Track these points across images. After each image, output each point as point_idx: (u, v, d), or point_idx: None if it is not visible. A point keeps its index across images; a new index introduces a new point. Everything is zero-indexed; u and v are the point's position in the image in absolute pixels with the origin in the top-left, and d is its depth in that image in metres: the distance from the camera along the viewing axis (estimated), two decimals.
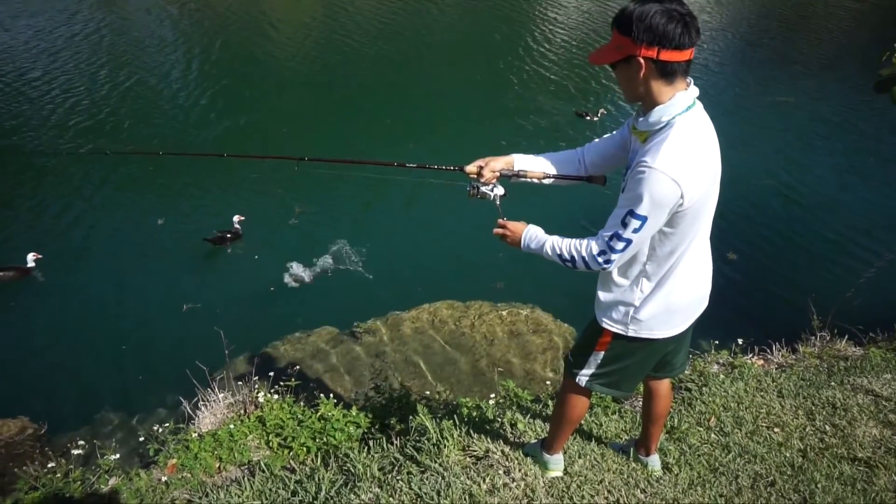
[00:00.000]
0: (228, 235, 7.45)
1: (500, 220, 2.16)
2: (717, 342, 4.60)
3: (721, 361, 4.14)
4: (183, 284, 6.62)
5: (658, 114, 1.77)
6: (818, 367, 4.02)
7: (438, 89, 12.57)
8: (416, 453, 2.73)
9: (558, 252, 1.98)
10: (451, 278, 6.70)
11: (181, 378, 4.07)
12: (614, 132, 2.13)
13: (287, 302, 6.34)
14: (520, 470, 2.57)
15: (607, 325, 2.10)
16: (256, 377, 4.52)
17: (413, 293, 6.40)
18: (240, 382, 4.20)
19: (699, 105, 1.83)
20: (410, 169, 2.57)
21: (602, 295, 2.10)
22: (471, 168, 2.23)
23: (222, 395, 3.98)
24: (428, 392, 4.52)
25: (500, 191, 2.22)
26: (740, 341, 4.30)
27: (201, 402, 3.91)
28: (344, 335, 5.91)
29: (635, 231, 1.79)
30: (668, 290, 1.98)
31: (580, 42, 15.35)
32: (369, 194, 8.48)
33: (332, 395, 3.83)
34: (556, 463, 2.56)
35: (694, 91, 1.79)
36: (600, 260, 1.89)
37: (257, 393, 3.94)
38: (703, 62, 13.78)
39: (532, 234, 2.08)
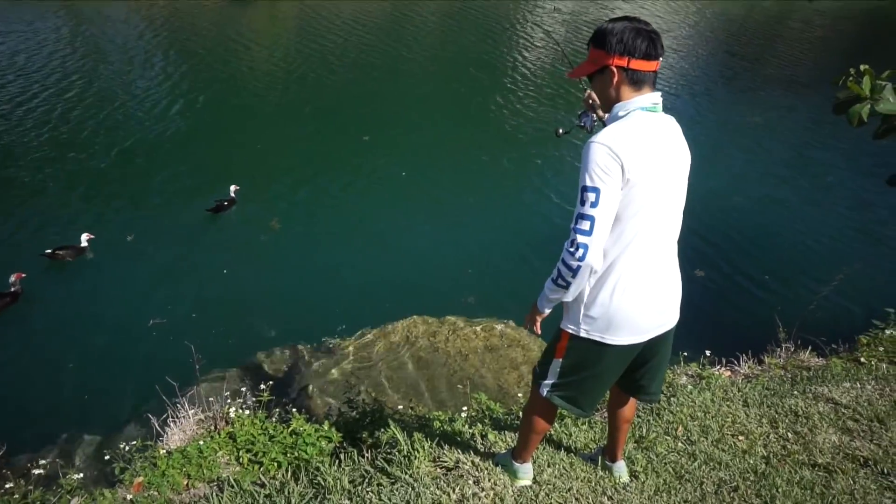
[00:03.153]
0: (226, 203, 8.15)
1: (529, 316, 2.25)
2: (685, 354, 4.69)
3: (690, 373, 4.22)
4: (151, 298, 6.52)
5: (616, 108, 1.94)
6: (782, 377, 4.13)
7: (418, 103, 12.71)
8: (386, 465, 2.74)
9: (550, 279, 2.00)
10: (422, 294, 6.71)
11: (150, 394, 4.02)
12: None
13: (258, 317, 6.28)
14: (489, 479, 2.58)
15: (563, 325, 2.13)
16: (227, 392, 4.46)
17: (384, 309, 6.40)
18: (210, 398, 4.14)
19: (663, 115, 1.98)
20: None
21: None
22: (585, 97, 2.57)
23: (192, 410, 3.92)
24: (401, 406, 4.51)
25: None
26: (708, 353, 4.39)
27: (170, 419, 3.85)
28: (316, 350, 5.88)
29: (593, 205, 1.81)
30: (616, 289, 1.96)
31: (558, 55, 15.67)
32: (341, 209, 8.51)
33: (304, 410, 3.82)
34: (525, 472, 2.59)
35: (653, 96, 1.93)
36: (571, 250, 1.86)
37: (228, 408, 3.90)
38: (675, 82, 14.17)
39: (539, 297, 2.14)
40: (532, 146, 10.77)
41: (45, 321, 6.25)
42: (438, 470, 2.70)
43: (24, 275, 6.34)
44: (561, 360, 2.17)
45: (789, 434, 3.18)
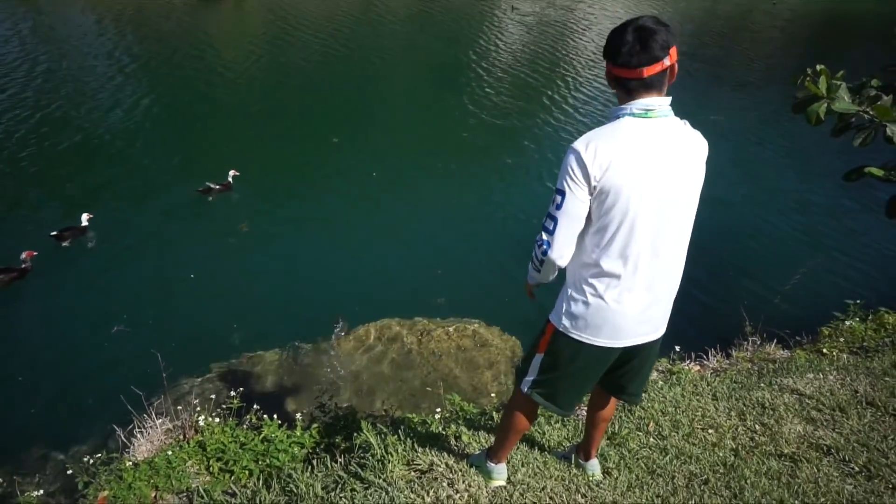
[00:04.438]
0: (218, 187, 8.33)
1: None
2: None
3: (660, 369, 4.28)
4: (115, 304, 6.31)
5: (610, 112, 1.95)
6: (749, 370, 4.22)
7: (388, 104, 12.68)
8: (360, 470, 2.71)
9: (530, 260, 2.12)
10: (392, 295, 6.65)
11: (115, 405, 3.90)
12: None
13: (226, 322, 6.15)
14: (464, 481, 2.58)
15: (550, 317, 2.16)
16: (197, 400, 4.38)
17: (355, 311, 6.34)
18: (179, 407, 4.06)
19: (668, 120, 1.90)
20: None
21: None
22: None
23: (160, 420, 3.84)
24: (374, 409, 4.48)
25: None
26: (678, 348, 4.47)
27: (137, 429, 3.76)
28: (287, 354, 5.79)
29: (558, 207, 1.91)
30: (596, 290, 1.99)
31: (524, 61, 15.79)
32: (311, 211, 8.43)
33: (276, 416, 3.76)
34: (500, 472, 2.59)
35: (656, 101, 1.87)
36: (538, 244, 2.00)
37: (197, 417, 3.82)
38: None
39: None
40: (499, 146, 10.82)
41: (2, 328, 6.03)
42: (412, 473, 2.68)
43: (35, 253, 6.63)
44: (542, 355, 2.19)
45: (756, 426, 3.24)
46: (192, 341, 5.85)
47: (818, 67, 3.10)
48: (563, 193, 1.89)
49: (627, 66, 1.83)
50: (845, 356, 4.38)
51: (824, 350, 4.62)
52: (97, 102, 11.35)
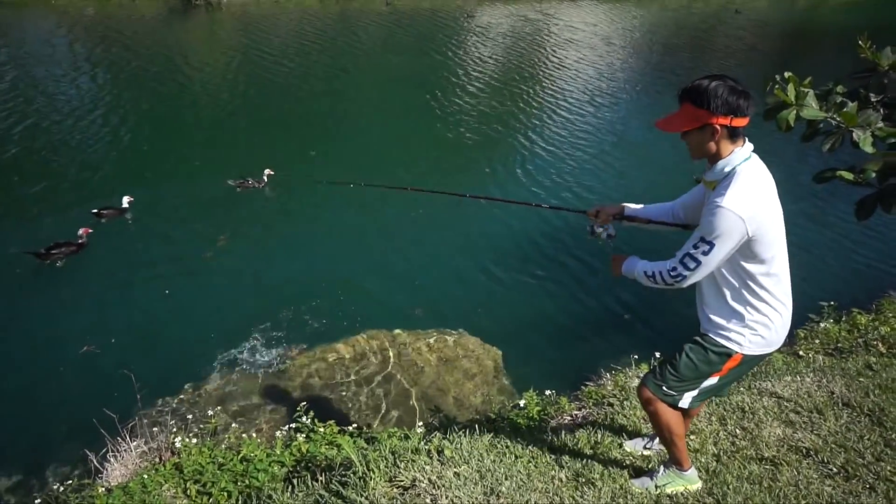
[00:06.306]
0: (256, 183, 8.86)
1: (614, 256, 2.61)
2: (636, 357, 4.79)
3: (641, 375, 4.29)
4: (84, 324, 6.16)
5: (722, 165, 2.22)
6: None
7: (363, 116, 12.66)
8: (341, 488, 2.66)
9: (643, 270, 2.41)
10: (371, 308, 6.58)
11: (86, 429, 3.80)
12: (694, 189, 2.56)
13: (203, 339, 6.03)
14: (446, 497, 2.54)
15: (732, 347, 2.35)
16: (173, 421, 4.28)
17: (334, 325, 6.28)
18: (154, 428, 3.96)
19: (755, 157, 2.27)
20: (541, 208, 3.18)
21: (725, 320, 2.35)
22: (590, 211, 2.75)
23: (134, 443, 3.74)
24: (356, 425, 4.42)
25: (611, 231, 2.73)
26: (658, 354, 4.49)
27: (110, 454, 3.66)
28: (266, 371, 5.69)
29: (704, 254, 2.20)
30: (778, 309, 2.31)
31: (490, 71, 15.91)
32: (287, 224, 8.35)
33: (255, 435, 3.69)
34: (692, 476, 2.71)
35: (749, 146, 2.23)
36: (672, 275, 2.29)
37: (174, 438, 3.73)
38: (610, 92, 14.59)
39: (630, 263, 2.51)
40: (475, 156, 10.86)
41: None
42: (395, 490, 2.64)
43: (91, 230, 7.35)
44: (720, 377, 2.44)
45: (737, 430, 3.26)
46: (167, 361, 5.72)
47: (786, 75, 3.15)
48: (712, 245, 2.16)
49: (745, 115, 2.16)
50: (821, 358, 4.45)
51: (801, 352, 4.68)
52: (51, 128, 11.15)
